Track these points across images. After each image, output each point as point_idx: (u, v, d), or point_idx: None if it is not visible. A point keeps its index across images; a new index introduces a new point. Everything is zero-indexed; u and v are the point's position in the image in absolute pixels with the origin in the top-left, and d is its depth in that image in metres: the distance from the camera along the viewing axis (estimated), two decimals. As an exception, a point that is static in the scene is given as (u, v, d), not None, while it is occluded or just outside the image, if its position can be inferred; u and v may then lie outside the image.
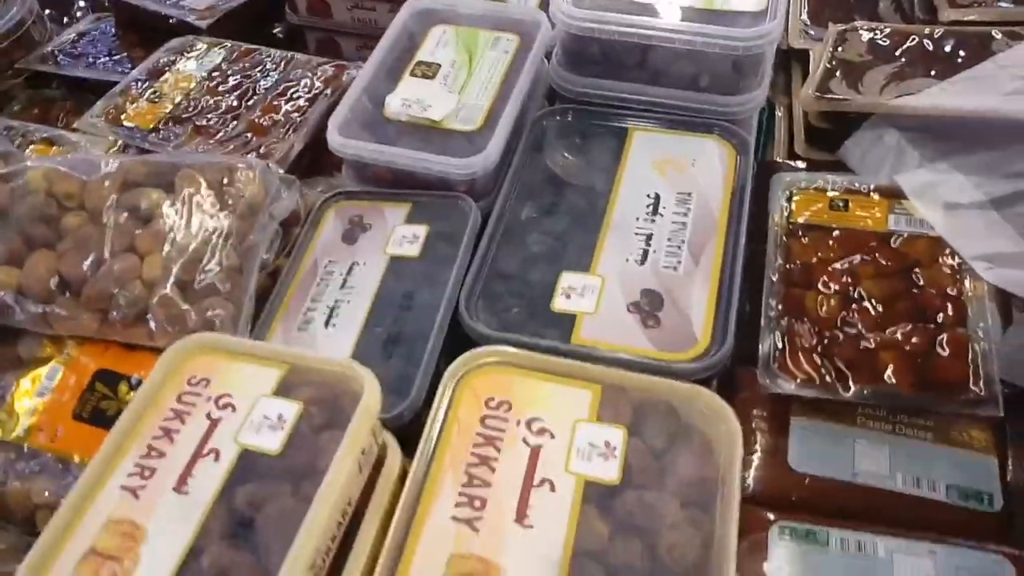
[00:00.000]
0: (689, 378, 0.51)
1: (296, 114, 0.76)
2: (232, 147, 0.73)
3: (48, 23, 1.01)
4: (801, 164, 0.72)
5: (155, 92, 0.81)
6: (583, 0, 0.68)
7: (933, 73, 0.69)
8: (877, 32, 0.75)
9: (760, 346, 0.56)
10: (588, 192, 0.64)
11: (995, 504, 0.51)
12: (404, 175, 0.65)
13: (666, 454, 0.48)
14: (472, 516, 0.45)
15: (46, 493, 0.56)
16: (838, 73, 0.72)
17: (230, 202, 0.63)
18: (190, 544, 0.43)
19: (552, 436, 0.48)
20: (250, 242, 0.62)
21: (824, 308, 0.58)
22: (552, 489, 0.46)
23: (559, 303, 0.57)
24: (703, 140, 0.67)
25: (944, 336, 0.54)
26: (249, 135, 0.75)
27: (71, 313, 0.60)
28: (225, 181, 0.64)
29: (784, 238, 0.63)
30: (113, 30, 0.99)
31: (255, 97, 0.79)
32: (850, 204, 0.64)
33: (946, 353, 0.54)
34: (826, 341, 0.56)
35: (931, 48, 0.72)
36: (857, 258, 0.60)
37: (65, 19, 1.07)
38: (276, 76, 0.81)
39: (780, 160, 0.75)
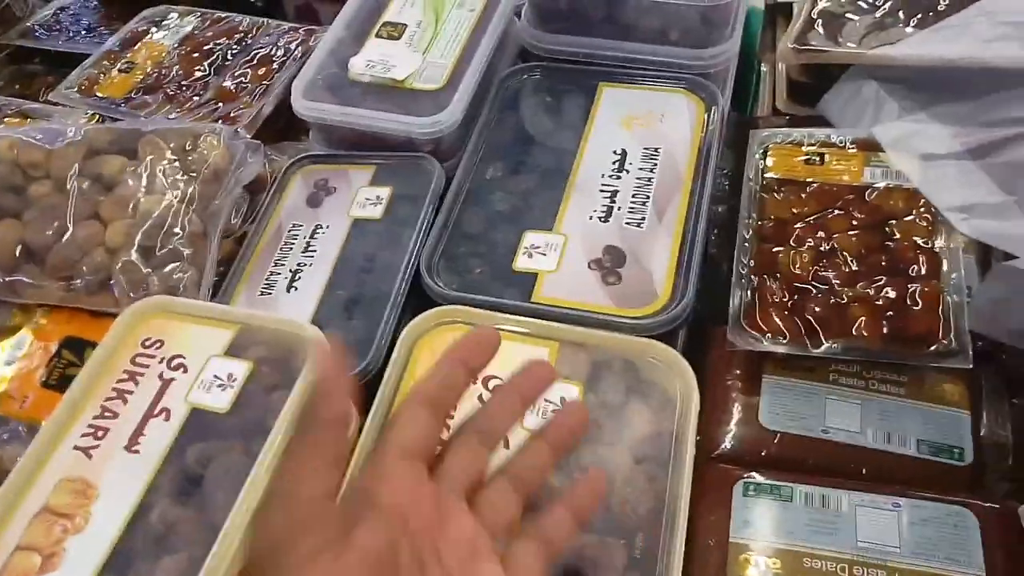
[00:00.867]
0: (649, 333, 0.50)
1: (265, 79, 0.75)
2: (201, 114, 0.73)
3: None
4: (782, 120, 0.71)
5: (128, 62, 0.81)
6: (549, -46, 0.67)
7: (914, 22, 0.67)
8: (859, -18, 0.73)
9: (731, 302, 0.55)
10: (555, 150, 0.63)
11: (965, 458, 0.50)
12: (370, 137, 0.65)
13: (623, 409, 0.47)
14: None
15: (17, 460, 0.56)
16: (817, 25, 0.70)
17: (194, 168, 0.62)
18: (139, 501, 0.43)
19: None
20: (214, 207, 0.62)
21: (797, 264, 0.56)
22: (506, 446, 0.46)
23: (521, 262, 0.56)
24: (672, 95, 0.65)
25: (916, 288, 0.53)
26: (218, 102, 0.74)
27: (36, 281, 0.60)
28: (189, 147, 0.63)
29: (759, 194, 0.61)
30: (94, 4, 0.98)
31: (225, 64, 0.78)
32: (827, 158, 0.62)
33: (917, 306, 0.52)
34: (797, 296, 0.55)
35: (914, -4, 0.69)
36: (832, 212, 0.59)
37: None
38: (246, 42, 0.80)
39: (761, 116, 0.74)
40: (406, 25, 0.69)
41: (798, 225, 0.58)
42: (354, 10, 0.72)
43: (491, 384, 0.50)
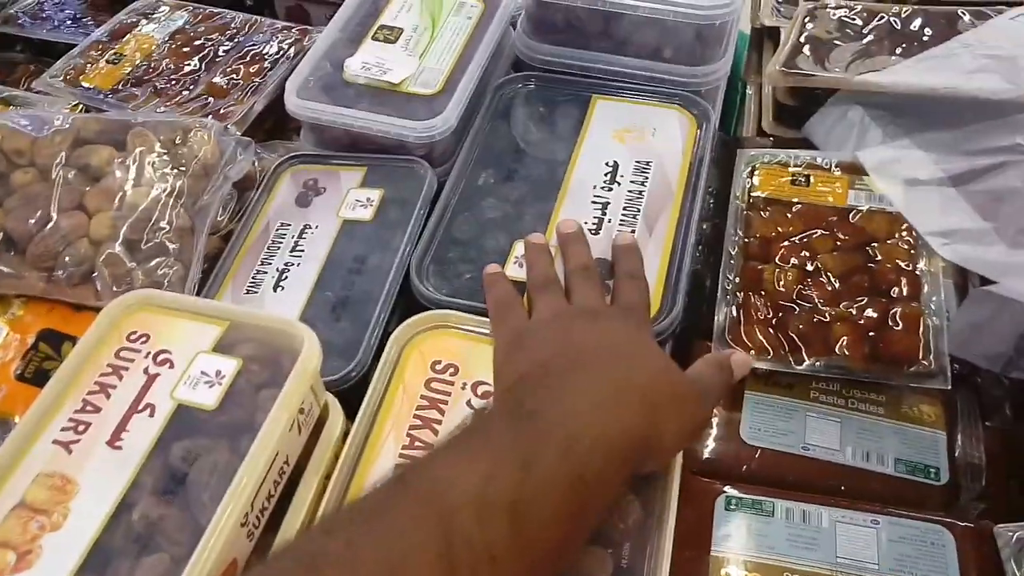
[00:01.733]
0: (637, 345, 0.50)
1: (257, 77, 0.74)
2: (191, 109, 0.72)
3: (13, -14, 0.99)
4: (767, 141, 0.72)
5: (116, 54, 0.79)
6: (548, -33, 0.67)
7: (899, 51, 0.69)
8: (846, 10, 0.75)
9: (716, 318, 0.56)
10: (548, 160, 0.64)
11: (941, 478, 0.51)
12: (362, 139, 0.64)
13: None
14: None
15: (-12, 454, 0.55)
16: (805, 49, 0.71)
17: (183, 162, 0.62)
18: (121, 498, 0.42)
19: (497, 399, 0.48)
20: (203, 203, 0.61)
21: (781, 281, 0.57)
22: None
23: (511, 270, 0.56)
24: (665, 110, 0.66)
25: (897, 310, 0.54)
26: (208, 97, 0.73)
27: (16, 271, 0.58)
28: (179, 141, 0.62)
29: (745, 212, 0.62)
30: (79, -7, 0.97)
31: (216, 60, 0.77)
32: (812, 179, 0.64)
33: (898, 327, 0.54)
34: (781, 314, 0.55)
35: (898, 26, 0.71)
36: (816, 232, 0.60)
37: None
38: (239, 39, 0.79)
39: (746, 136, 0.75)
40: (402, 29, 0.69)
41: (783, 244, 0.59)
42: (349, 12, 0.72)
43: (480, 390, 0.50)
